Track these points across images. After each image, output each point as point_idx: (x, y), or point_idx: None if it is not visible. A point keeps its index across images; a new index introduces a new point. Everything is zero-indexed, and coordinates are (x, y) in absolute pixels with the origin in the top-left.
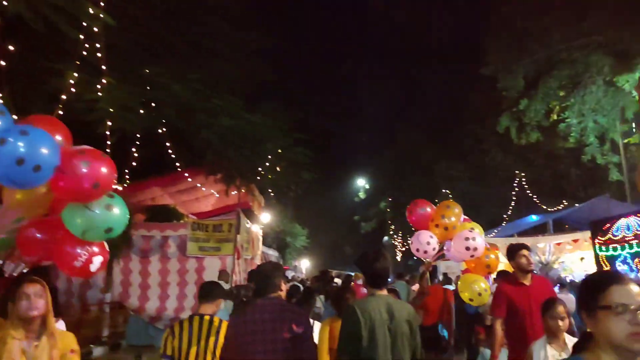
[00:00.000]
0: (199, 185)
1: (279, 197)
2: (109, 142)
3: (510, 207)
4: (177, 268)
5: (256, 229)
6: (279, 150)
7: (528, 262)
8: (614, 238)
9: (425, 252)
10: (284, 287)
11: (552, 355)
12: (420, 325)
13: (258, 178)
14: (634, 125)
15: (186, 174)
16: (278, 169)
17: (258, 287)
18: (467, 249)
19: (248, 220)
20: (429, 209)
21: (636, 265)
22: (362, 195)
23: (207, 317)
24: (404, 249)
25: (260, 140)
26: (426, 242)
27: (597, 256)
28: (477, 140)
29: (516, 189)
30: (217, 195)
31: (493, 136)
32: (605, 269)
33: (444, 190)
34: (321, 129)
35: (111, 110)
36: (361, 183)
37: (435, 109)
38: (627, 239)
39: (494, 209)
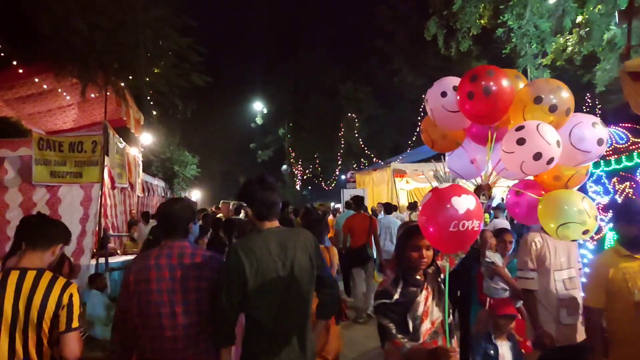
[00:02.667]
0: (46, 87)
1: (163, 115)
2: None
3: (415, 133)
4: (19, 201)
5: (134, 152)
6: (160, 43)
7: None
8: None
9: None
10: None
11: None
12: (349, 247)
13: (130, 77)
14: (569, 38)
15: (20, 70)
16: (157, 69)
17: (163, 230)
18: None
19: (121, 139)
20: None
21: (613, 186)
22: (259, 120)
23: (32, 273)
24: (305, 177)
25: (130, 16)
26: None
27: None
28: (384, 59)
29: (422, 114)
30: (76, 106)
31: (403, 54)
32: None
33: (349, 115)
34: (213, 43)
35: None
36: (258, 107)
37: (338, 23)
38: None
39: (397, 136)
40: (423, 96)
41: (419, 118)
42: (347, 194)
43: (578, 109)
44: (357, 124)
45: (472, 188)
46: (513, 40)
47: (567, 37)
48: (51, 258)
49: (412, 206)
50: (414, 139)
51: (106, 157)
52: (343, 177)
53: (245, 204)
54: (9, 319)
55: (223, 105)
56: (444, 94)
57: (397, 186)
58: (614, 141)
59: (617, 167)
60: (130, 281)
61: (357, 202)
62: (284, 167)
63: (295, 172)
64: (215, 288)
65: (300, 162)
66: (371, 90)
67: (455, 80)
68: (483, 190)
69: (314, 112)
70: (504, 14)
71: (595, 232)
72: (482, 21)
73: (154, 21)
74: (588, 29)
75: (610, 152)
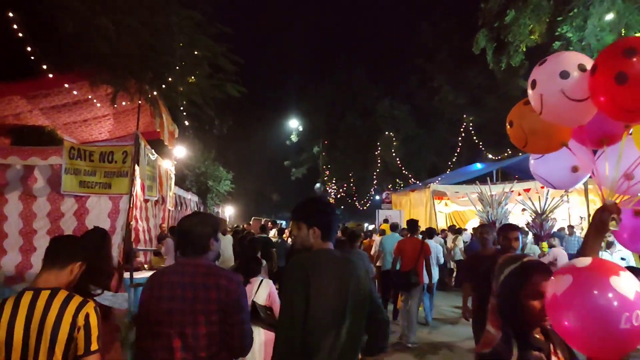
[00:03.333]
0: (78, 95)
1: (199, 130)
2: None
3: (456, 154)
4: (47, 210)
5: (167, 165)
6: (195, 52)
7: None
8: None
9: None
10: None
11: None
12: (399, 271)
13: (163, 86)
14: None
15: (51, 75)
16: (192, 78)
17: (178, 245)
18: None
19: (153, 151)
20: None
21: None
22: (294, 138)
23: (45, 293)
24: (338, 196)
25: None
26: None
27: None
28: (424, 77)
29: (463, 134)
30: (111, 116)
31: (444, 72)
32: None
33: (387, 133)
34: (250, 57)
35: None
36: (294, 125)
37: (378, 41)
38: None
39: (435, 157)
40: (464, 115)
41: (459, 139)
42: (382, 215)
43: None
44: (394, 142)
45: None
46: None
47: None
48: (70, 277)
49: (457, 231)
50: (454, 159)
51: (137, 167)
52: (377, 197)
53: (293, 221)
54: (20, 343)
55: (259, 122)
56: (564, 75)
57: (435, 208)
58: None
59: None
60: (144, 300)
61: (412, 226)
62: (318, 185)
63: (329, 191)
64: (225, 311)
65: (334, 181)
66: (409, 108)
67: (579, 57)
68: (612, 213)
69: (350, 131)
70: (562, 25)
71: None
72: (534, 36)
73: (188, 26)
74: None
75: None
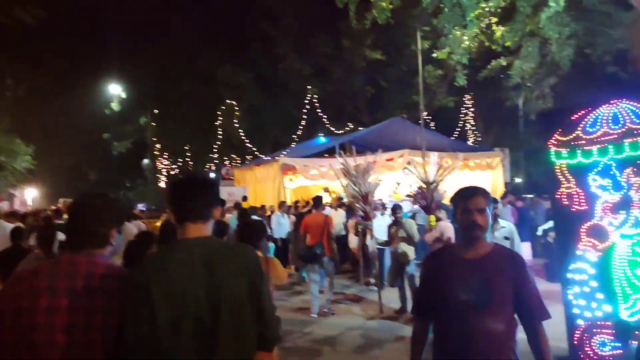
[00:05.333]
0: None
1: None
2: None
3: (301, 127)
4: None
5: None
6: None
7: None
8: (587, 136)
9: None
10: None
11: None
12: (306, 245)
13: None
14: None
15: None
16: None
17: (67, 237)
18: None
19: None
20: None
21: (627, 179)
22: (115, 106)
23: None
24: (171, 173)
25: None
26: None
27: (551, 166)
28: (269, 43)
29: (307, 107)
30: None
31: (289, 39)
32: (567, 185)
33: (228, 101)
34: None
35: None
36: (115, 91)
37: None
38: (611, 136)
39: (278, 129)
40: (309, 87)
41: (304, 111)
42: (224, 192)
43: None
44: (237, 113)
45: None
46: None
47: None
48: None
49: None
50: (298, 132)
51: None
52: (213, 174)
53: None
54: None
55: (70, 85)
56: None
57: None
58: (627, 120)
59: (633, 154)
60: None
61: (317, 202)
62: (146, 161)
63: (160, 167)
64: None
65: (165, 156)
66: (254, 77)
67: None
68: None
69: (186, 98)
70: None
71: (601, 239)
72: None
73: None
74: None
75: (622, 134)
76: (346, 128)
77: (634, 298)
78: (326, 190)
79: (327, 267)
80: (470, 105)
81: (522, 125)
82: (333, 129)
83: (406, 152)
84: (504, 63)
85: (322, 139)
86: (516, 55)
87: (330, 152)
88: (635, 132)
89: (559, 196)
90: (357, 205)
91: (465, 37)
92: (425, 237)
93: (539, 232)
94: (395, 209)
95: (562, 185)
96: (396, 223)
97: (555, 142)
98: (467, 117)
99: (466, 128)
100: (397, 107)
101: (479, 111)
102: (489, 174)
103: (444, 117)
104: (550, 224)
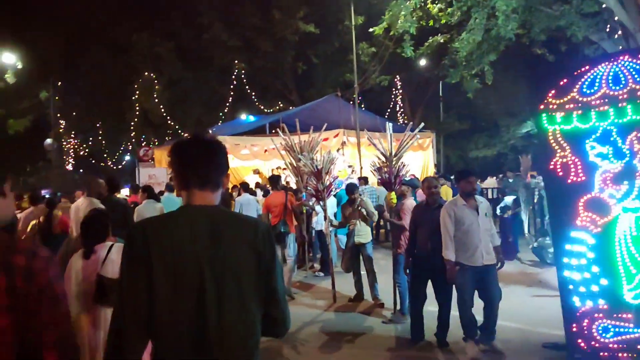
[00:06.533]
0: None
1: None
2: None
3: (227, 105)
4: None
5: None
6: None
7: None
8: (584, 99)
9: None
10: None
11: None
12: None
13: None
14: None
15: None
16: None
17: None
18: None
19: None
20: None
21: (630, 146)
22: (9, 78)
23: None
24: (80, 154)
25: None
26: None
27: (543, 133)
28: (192, 11)
29: (234, 82)
30: None
31: (215, 8)
32: (561, 154)
33: (147, 74)
34: None
35: None
36: (9, 60)
37: None
38: (612, 98)
39: (202, 107)
40: (236, 62)
41: (231, 87)
42: (144, 175)
43: None
44: (157, 87)
45: None
46: None
47: None
48: None
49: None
50: (225, 110)
51: None
52: (127, 157)
53: None
54: None
55: None
56: None
57: None
58: (630, 80)
59: (637, 117)
60: None
61: (273, 181)
62: (48, 141)
63: (66, 148)
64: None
65: (73, 135)
66: (175, 47)
67: None
68: None
69: (97, 70)
70: None
71: (601, 214)
72: None
73: None
74: None
75: (625, 96)
76: (276, 107)
77: (639, 278)
78: (256, 172)
79: (290, 245)
80: (400, 88)
81: (442, 110)
82: (262, 107)
83: (341, 132)
84: (442, 40)
85: (251, 118)
86: (461, 29)
87: (259, 132)
88: (638, 92)
89: (552, 167)
90: (309, 182)
91: (403, 13)
92: (384, 215)
93: (497, 212)
94: (353, 188)
95: (556, 155)
96: (352, 203)
97: (549, 105)
98: (397, 99)
99: (396, 110)
100: (328, 85)
101: (407, 94)
102: (420, 154)
103: (373, 98)
104: (507, 201)
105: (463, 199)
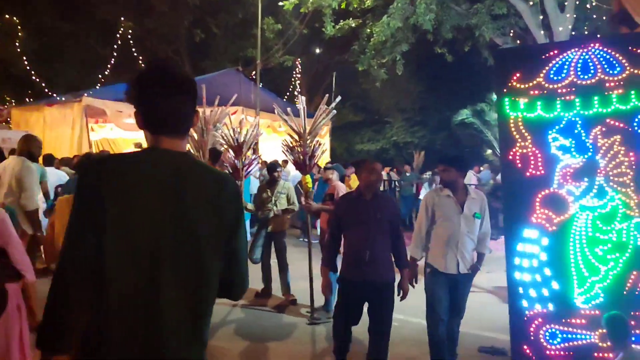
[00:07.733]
0: None
1: None
2: None
3: (109, 66)
4: None
5: None
6: None
7: None
8: (550, 85)
9: None
10: None
11: None
12: None
13: None
14: None
15: None
16: None
17: None
18: None
19: None
20: None
21: (594, 140)
22: None
23: None
24: None
25: None
26: None
27: (505, 120)
28: None
29: (119, 43)
30: None
31: None
32: (522, 144)
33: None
34: None
35: None
36: None
37: None
38: (579, 87)
39: (79, 66)
40: (122, 18)
41: (115, 47)
42: None
43: None
44: (20, 33)
45: None
46: None
47: None
48: None
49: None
50: (106, 73)
51: None
52: None
53: None
54: None
55: None
56: None
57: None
58: (599, 69)
59: (603, 110)
60: None
61: (215, 155)
62: None
63: None
64: None
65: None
66: None
67: None
68: None
69: None
70: None
71: (558, 211)
72: None
73: None
74: None
75: (593, 86)
76: None
77: (591, 281)
78: (138, 145)
79: None
80: (298, 72)
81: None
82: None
83: (240, 109)
84: (354, 24)
85: None
86: (378, 17)
87: None
88: (607, 84)
89: (511, 157)
90: (226, 157)
91: None
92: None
93: None
94: (275, 167)
95: (516, 145)
96: (272, 184)
97: (511, 89)
98: (296, 82)
99: (294, 95)
100: (227, 59)
101: (305, 80)
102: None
103: (271, 79)
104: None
105: (449, 190)
